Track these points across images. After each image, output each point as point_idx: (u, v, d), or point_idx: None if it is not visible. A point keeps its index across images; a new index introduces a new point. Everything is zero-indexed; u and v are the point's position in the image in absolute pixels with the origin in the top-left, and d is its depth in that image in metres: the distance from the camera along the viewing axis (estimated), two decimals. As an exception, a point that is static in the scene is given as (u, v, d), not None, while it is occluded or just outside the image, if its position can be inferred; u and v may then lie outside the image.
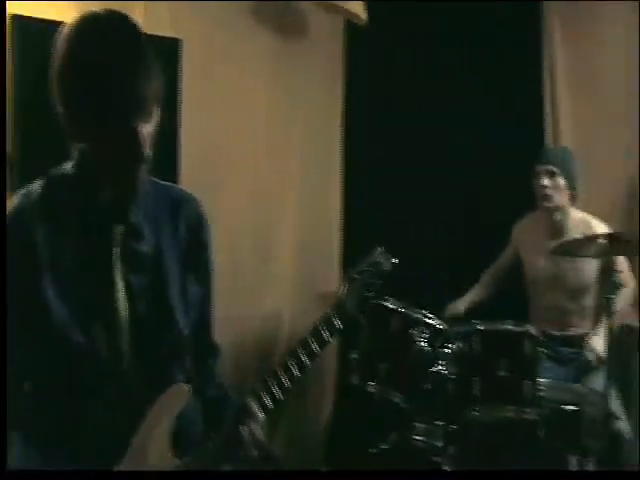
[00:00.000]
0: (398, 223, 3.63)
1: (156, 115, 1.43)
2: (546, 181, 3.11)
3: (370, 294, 1.82)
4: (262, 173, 3.46)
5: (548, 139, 3.70)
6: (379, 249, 1.87)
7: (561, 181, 3.11)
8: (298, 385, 3.54)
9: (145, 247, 1.54)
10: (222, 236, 3.11)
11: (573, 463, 3.08)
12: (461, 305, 3.33)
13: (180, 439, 1.54)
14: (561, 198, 3.13)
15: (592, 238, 2.75)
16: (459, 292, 3.41)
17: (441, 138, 3.75)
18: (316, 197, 3.76)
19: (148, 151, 1.42)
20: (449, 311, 3.28)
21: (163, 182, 1.64)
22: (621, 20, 3.48)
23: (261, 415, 1.57)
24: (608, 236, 2.68)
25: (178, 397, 1.56)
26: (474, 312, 3.25)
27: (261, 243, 3.51)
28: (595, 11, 3.54)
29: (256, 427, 1.55)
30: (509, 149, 3.60)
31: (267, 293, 3.56)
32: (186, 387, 1.57)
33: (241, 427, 1.54)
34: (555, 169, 3.12)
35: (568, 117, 3.65)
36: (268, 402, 1.59)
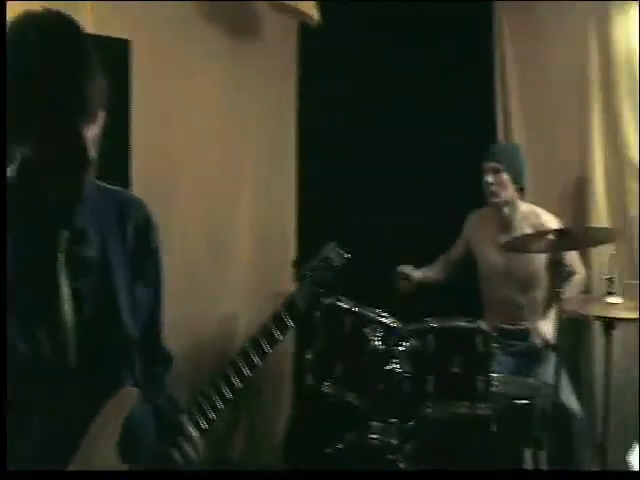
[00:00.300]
0: (354, 222, 3.65)
1: (101, 117, 1.41)
2: (491, 178, 3.20)
3: (322, 290, 1.83)
4: (216, 174, 3.44)
5: (500, 136, 3.76)
6: (331, 245, 1.87)
7: (505, 177, 3.20)
8: (257, 386, 3.59)
9: (91, 252, 1.52)
10: (177, 238, 3.16)
11: (527, 456, 3.17)
12: (416, 272, 3.41)
13: (128, 444, 1.52)
14: (507, 193, 3.21)
15: (541, 234, 2.79)
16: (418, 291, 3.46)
17: (394, 136, 3.78)
18: (271, 197, 3.76)
19: (93, 154, 1.40)
20: (401, 270, 3.37)
21: (109, 186, 1.62)
22: (570, 18, 3.54)
23: (195, 433, 1.55)
24: (556, 231, 2.73)
25: (126, 401, 1.54)
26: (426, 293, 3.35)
27: (216, 244, 3.49)
28: (544, 10, 3.60)
29: (189, 445, 1.54)
30: (461, 146, 3.64)
31: (224, 294, 3.54)
32: (135, 391, 1.56)
33: (172, 446, 1.53)
34: (499, 166, 3.20)
35: (519, 114, 3.71)
36: (217, 405, 1.58)
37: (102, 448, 1.48)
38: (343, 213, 3.70)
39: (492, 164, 3.23)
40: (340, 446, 2.66)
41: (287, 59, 3.79)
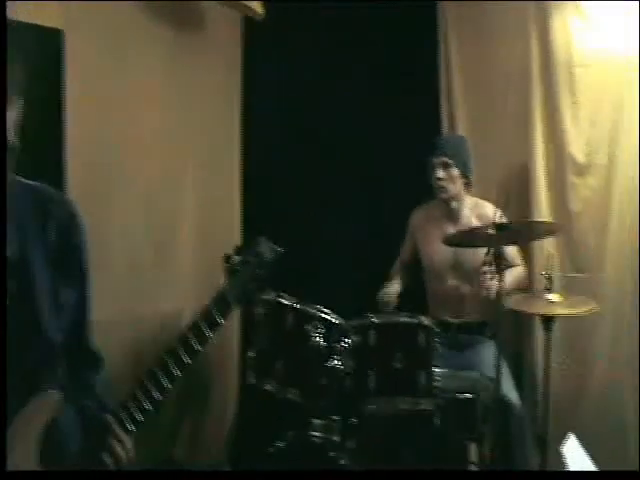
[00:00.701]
0: (300, 217, 3.63)
1: (18, 103, 1.35)
2: (440, 173, 3.19)
3: (254, 285, 1.79)
4: (158, 170, 3.36)
5: (444, 132, 3.76)
6: (262, 239, 1.84)
7: (455, 171, 3.20)
8: (204, 384, 3.54)
9: (8, 251, 1.46)
10: (119, 236, 3.08)
11: (471, 450, 3.19)
12: (395, 290, 3.27)
13: (50, 446, 1.47)
14: (455, 187, 3.22)
15: (482, 229, 2.80)
16: (360, 286, 3.43)
17: (341, 130, 3.76)
18: (215, 193, 3.70)
19: (13, 139, 1.34)
20: (385, 298, 3.21)
21: (27, 181, 1.55)
22: (512, 18, 3.57)
23: (122, 433, 1.51)
24: (499, 225, 2.74)
25: (48, 405, 1.49)
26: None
27: (159, 241, 3.41)
28: (488, 10, 3.62)
29: (118, 444, 1.50)
30: (406, 142, 3.63)
31: (167, 291, 3.47)
32: (57, 395, 1.50)
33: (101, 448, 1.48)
34: (448, 160, 3.20)
35: (463, 111, 3.72)
36: (145, 406, 1.53)
37: (20, 451, 1.43)
38: (288, 210, 3.67)
39: (442, 159, 3.21)
40: (281, 444, 2.62)
41: (231, 53, 3.72)
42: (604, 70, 3.38)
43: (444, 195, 3.23)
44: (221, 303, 1.68)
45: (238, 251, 1.83)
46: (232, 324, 3.61)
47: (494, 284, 2.83)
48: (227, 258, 1.79)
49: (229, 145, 3.77)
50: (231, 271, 1.75)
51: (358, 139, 3.76)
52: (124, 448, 1.52)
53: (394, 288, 3.28)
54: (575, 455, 2.21)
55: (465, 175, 3.24)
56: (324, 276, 3.41)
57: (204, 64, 3.55)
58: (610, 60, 3.36)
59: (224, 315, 1.67)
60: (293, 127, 3.76)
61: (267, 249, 1.82)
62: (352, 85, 3.74)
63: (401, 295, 3.28)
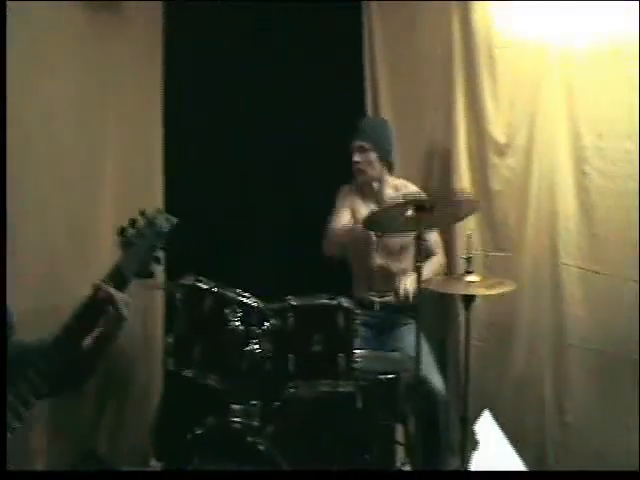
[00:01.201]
0: (221, 204, 3.58)
1: None
2: (357, 157, 3.19)
3: (151, 258, 1.75)
4: (75, 154, 3.23)
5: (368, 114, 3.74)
6: (158, 210, 1.80)
7: (372, 155, 3.19)
8: (128, 373, 3.45)
9: None
10: (34, 223, 2.95)
11: (397, 430, 3.20)
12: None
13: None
14: (374, 171, 3.22)
15: (402, 204, 2.75)
16: (281, 269, 3.39)
17: (265, 115, 3.71)
18: (135, 178, 3.59)
19: None
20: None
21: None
22: (434, 6, 3.56)
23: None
24: (417, 207, 2.72)
25: None
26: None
27: (77, 228, 3.29)
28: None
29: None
30: (330, 125, 3.60)
31: (85, 279, 3.35)
32: None
33: None
34: (366, 144, 3.19)
35: (387, 93, 3.70)
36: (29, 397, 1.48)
37: None
38: (212, 193, 3.61)
39: (359, 143, 3.22)
40: (199, 431, 2.57)
41: (153, 29, 3.61)
42: (523, 52, 3.40)
43: (362, 178, 3.24)
44: (117, 277, 1.64)
45: (133, 223, 1.78)
46: (156, 309, 3.52)
47: (411, 289, 2.86)
48: (121, 231, 1.74)
49: (151, 127, 3.66)
50: (126, 244, 1.70)
51: (281, 122, 3.71)
52: None
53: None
54: (489, 432, 2.22)
55: (385, 159, 3.23)
56: (244, 259, 3.36)
57: (125, 40, 3.43)
58: (529, 42, 3.39)
59: (121, 289, 1.63)
60: (215, 110, 3.69)
61: (163, 220, 1.78)
62: (276, 67, 3.69)
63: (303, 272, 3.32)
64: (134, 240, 1.71)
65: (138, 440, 3.48)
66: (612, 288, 3.22)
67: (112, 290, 1.69)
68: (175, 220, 1.82)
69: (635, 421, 3.13)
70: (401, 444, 3.17)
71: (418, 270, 2.69)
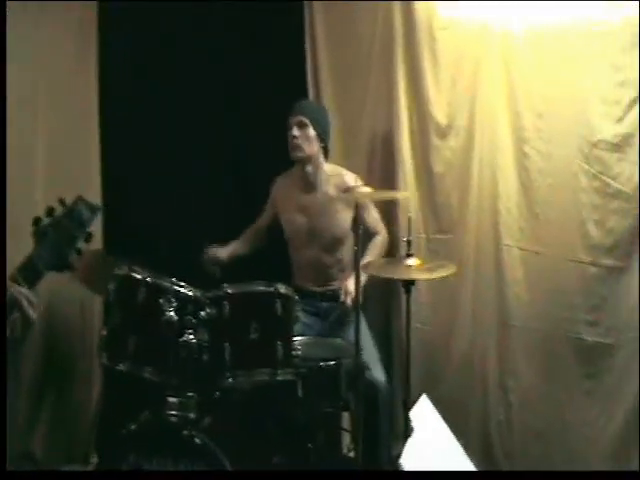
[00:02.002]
0: (159, 189, 3.49)
1: None
2: (296, 131, 3.12)
3: (70, 249, 1.66)
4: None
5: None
6: (78, 198, 1.71)
7: (312, 132, 3.13)
8: (64, 369, 3.34)
9: None
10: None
11: (343, 417, 3.17)
12: (223, 253, 3.27)
13: None
14: (311, 148, 3.15)
15: (341, 191, 2.72)
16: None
17: (207, 97, 3.63)
18: (72, 164, 3.47)
19: None
20: (209, 255, 3.22)
21: None
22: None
23: None
24: (356, 188, 2.68)
25: None
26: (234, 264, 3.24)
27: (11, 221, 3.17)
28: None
29: None
30: (270, 109, 3.52)
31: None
32: None
33: None
34: (305, 119, 3.13)
35: (328, 77, 3.63)
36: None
37: None
38: (147, 181, 3.52)
39: (299, 117, 3.15)
40: (133, 427, 2.49)
41: (87, 18, 3.48)
42: (464, 32, 3.37)
43: (299, 154, 3.14)
44: (28, 271, 1.55)
45: (49, 212, 1.69)
46: (93, 300, 3.41)
47: (354, 290, 2.77)
48: (35, 221, 1.65)
49: (86, 114, 3.53)
50: (40, 235, 1.61)
51: (222, 118, 3.65)
52: None
53: (222, 251, 3.26)
54: (427, 416, 2.20)
55: (322, 138, 3.17)
56: (181, 248, 3.28)
57: (57, 25, 3.34)
58: (469, 23, 3.35)
59: (32, 283, 1.54)
60: (153, 95, 3.57)
61: (84, 209, 1.69)
62: (214, 60, 3.61)
63: (237, 256, 3.29)
64: (49, 230, 1.62)
65: (79, 437, 3.40)
66: (553, 268, 3.23)
67: (17, 288, 1.59)
68: (99, 208, 1.73)
69: (579, 401, 3.16)
70: (347, 431, 3.15)
71: (357, 256, 2.63)
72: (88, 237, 1.80)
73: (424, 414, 2.16)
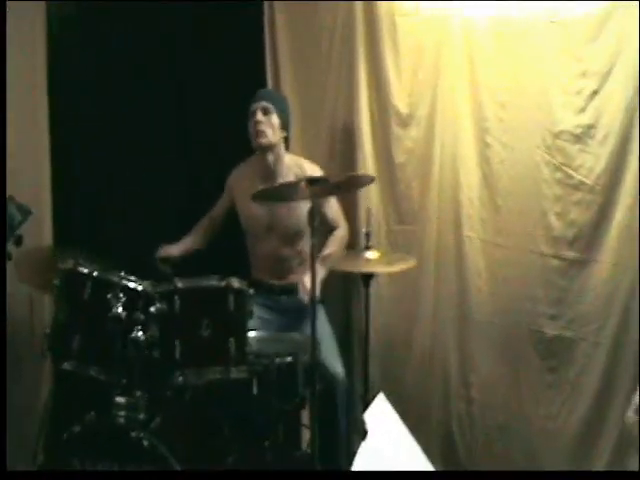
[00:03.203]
0: (110, 186, 3.41)
1: None
2: (260, 116, 3.03)
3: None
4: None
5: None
6: (10, 198, 1.60)
7: (274, 118, 3.05)
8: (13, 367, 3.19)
9: None
10: None
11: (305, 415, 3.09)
12: (175, 249, 3.15)
13: None
14: (274, 136, 3.06)
15: (293, 183, 2.64)
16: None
17: (160, 92, 3.52)
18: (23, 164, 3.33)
19: None
20: (161, 253, 3.10)
21: None
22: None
23: None
24: (310, 180, 2.57)
25: None
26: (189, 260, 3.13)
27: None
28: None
29: None
30: (231, 102, 3.42)
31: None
32: None
33: None
34: (270, 105, 3.05)
35: (288, 66, 3.53)
36: None
37: None
38: (100, 176, 3.42)
39: (263, 103, 3.06)
40: (77, 429, 2.37)
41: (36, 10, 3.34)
42: (425, 20, 3.28)
43: (263, 140, 3.04)
44: None
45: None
46: (42, 297, 3.28)
47: (309, 287, 2.65)
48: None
49: (36, 110, 3.39)
50: None
51: (174, 104, 3.55)
52: None
53: (174, 248, 3.14)
54: (384, 414, 2.13)
55: (284, 127, 3.09)
56: (134, 242, 3.17)
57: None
58: (431, 10, 3.27)
59: None
60: (104, 91, 3.46)
61: (14, 209, 1.58)
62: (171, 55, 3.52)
63: (192, 250, 3.19)
64: None
65: (26, 439, 3.25)
66: (514, 261, 3.18)
67: None
68: (30, 210, 1.61)
69: (541, 395, 3.12)
70: (307, 427, 3.07)
71: (311, 252, 2.54)
72: (18, 240, 1.68)
73: (380, 414, 2.08)
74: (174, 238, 3.24)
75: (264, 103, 3.06)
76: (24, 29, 3.29)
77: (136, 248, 3.08)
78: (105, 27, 3.45)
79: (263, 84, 3.46)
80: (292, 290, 3.09)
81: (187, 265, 3.13)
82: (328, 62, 3.45)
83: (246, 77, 3.47)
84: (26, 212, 1.64)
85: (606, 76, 2.99)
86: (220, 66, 3.47)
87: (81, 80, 3.44)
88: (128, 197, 3.38)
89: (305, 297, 2.91)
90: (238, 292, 2.55)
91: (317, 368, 2.53)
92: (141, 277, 2.61)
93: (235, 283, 2.55)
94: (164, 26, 3.48)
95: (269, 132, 3.05)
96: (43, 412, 3.17)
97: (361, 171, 3.33)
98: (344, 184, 2.76)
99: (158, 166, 3.48)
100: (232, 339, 2.50)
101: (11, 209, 1.60)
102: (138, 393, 2.46)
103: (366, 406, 2.75)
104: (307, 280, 2.87)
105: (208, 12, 3.48)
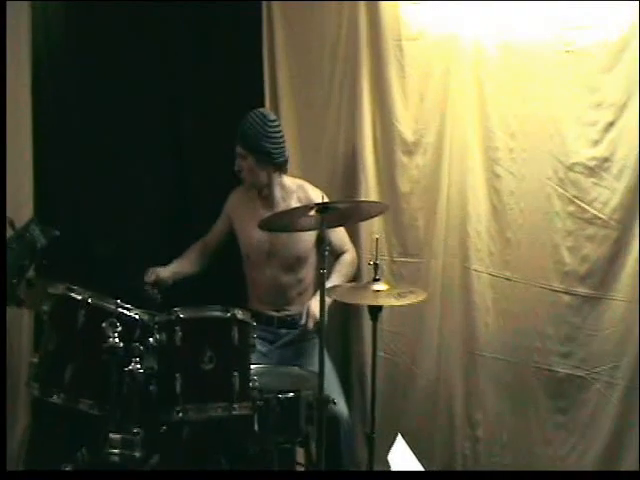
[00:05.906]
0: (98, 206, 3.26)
1: None
2: (237, 164, 2.96)
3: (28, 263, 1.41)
4: None
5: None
6: (31, 220, 1.45)
7: (251, 162, 2.93)
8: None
9: None
10: None
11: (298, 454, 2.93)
12: (165, 272, 2.97)
13: None
14: (255, 178, 2.97)
15: (301, 210, 2.51)
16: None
17: (155, 105, 3.41)
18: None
19: None
20: (149, 276, 2.91)
21: None
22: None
23: None
24: (318, 205, 2.45)
25: None
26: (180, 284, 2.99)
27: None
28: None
29: None
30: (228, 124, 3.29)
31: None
32: None
33: None
34: (242, 150, 2.94)
35: (288, 88, 3.42)
36: None
37: None
38: (88, 191, 3.27)
39: (238, 148, 2.96)
40: (68, 468, 2.20)
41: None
42: (433, 44, 3.20)
43: (246, 184, 3.02)
44: None
45: (11, 226, 1.44)
46: (22, 324, 3.07)
47: (318, 314, 2.56)
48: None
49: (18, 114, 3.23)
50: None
51: (168, 120, 3.45)
52: None
53: (164, 271, 2.97)
54: (403, 457, 2.00)
55: (268, 163, 2.94)
56: (127, 267, 3.01)
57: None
58: (439, 34, 3.19)
59: None
60: (99, 101, 3.32)
61: (37, 232, 1.44)
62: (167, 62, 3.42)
63: (182, 274, 3.04)
64: (13, 245, 1.34)
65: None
66: (524, 296, 3.08)
67: None
68: (56, 234, 1.45)
69: (550, 436, 3.01)
70: (302, 465, 2.91)
71: (321, 281, 2.41)
72: (39, 267, 1.51)
73: (401, 455, 1.94)
74: (163, 262, 3.09)
75: (239, 149, 2.96)
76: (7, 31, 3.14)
77: (123, 270, 2.93)
78: (99, 28, 3.32)
79: (261, 102, 3.35)
80: (292, 322, 2.98)
81: (175, 294, 2.97)
82: (330, 84, 3.35)
83: (243, 97, 3.35)
84: (51, 236, 1.46)
85: (622, 108, 2.92)
86: (217, 85, 3.38)
87: (68, 85, 3.31)
88: (115, 215, 3.23)
89: (310, 323, 2.78)
90: (242, 324, 2.42)
91: (324, 405, 2.40)
92: (126, 302, 2.45)
93: (239, 314, 2.42)
94: (158, 28, 3.39)
95: (248, 177, 2.98)
96: (18, 449, 2.96)
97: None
98: (356, 211, 2.64)
99: (149, 182, 3.37)
100: (236, 373, 2.36)
101: (33, 231, 1.43)
102: (134, 430, 2.29)
103: (371, 443, 2.63)
104: (315, 305, 2.75)
105: (203, 24, 3.41)
